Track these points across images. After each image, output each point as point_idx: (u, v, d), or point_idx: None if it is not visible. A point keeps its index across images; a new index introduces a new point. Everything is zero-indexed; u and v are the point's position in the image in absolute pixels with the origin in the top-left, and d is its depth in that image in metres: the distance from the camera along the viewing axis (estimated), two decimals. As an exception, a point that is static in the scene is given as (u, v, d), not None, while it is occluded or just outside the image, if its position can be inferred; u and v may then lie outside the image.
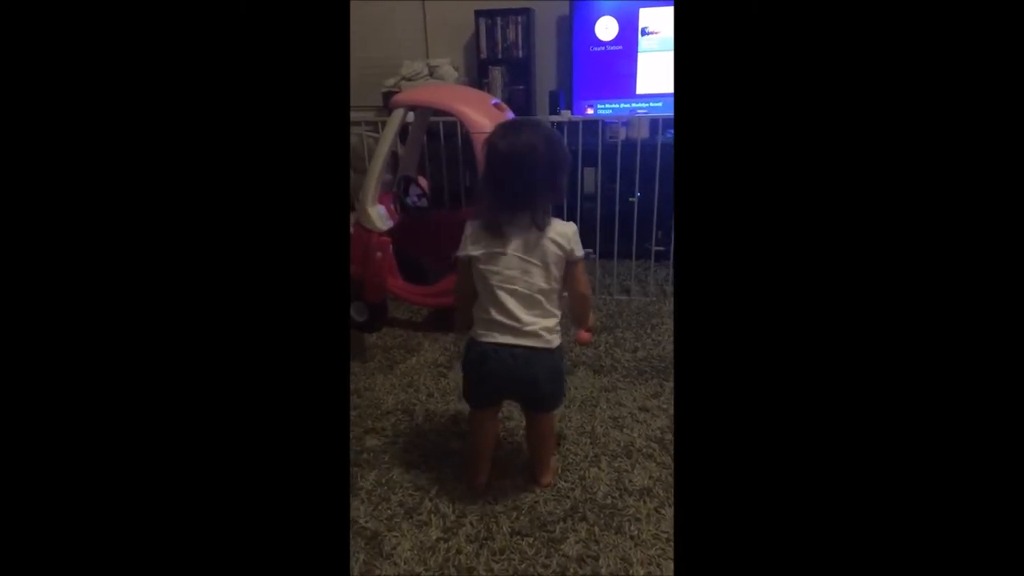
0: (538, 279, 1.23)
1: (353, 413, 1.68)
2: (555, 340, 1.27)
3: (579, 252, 1.25)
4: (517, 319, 1.23)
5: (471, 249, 1.24)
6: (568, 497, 1.35)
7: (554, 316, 1.26)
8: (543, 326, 1.24)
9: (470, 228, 1.26)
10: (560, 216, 1.23)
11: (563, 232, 1.23)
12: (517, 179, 1.18)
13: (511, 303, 1.23)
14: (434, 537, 1.25)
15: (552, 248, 1.22)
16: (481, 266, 1.24)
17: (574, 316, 1.35)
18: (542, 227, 1.21)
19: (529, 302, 1.23)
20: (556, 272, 1.24)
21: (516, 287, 1.22)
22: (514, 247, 1.22)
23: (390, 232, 2.08)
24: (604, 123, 2.69)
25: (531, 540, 1.23)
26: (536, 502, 1.34)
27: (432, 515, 1.31)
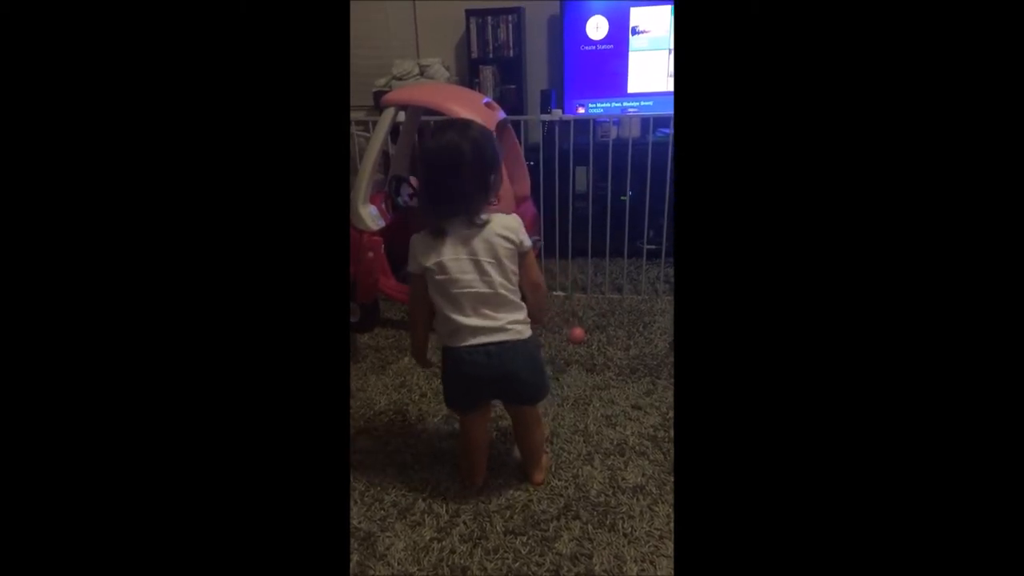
0: (495, 276, 1.22)
1: (345, 414, 1.68)
2: (526, 331, 1.27)
3: (527, 242, 1.25)
4: (483, 319, 1.23)
5: (422, 260, 1.23)
6: (561, 495, 1.35)
7: (520, 309, 1.27)
8: (511, 320, 1.24)
9: (417, 241, 1.25)
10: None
11: (508, 225, 1.24)
12: (447, 180, 1.19)
13: (474, 305, 1.23)
14: (428, 537, 1.25)
15: (501, 243, 1.22)
16: (437, 276, 1.22)
17: (530, 307, 1.33)
18: (479, 224, 1.21)
19: (491, 301, 1.23)
20: (511, 266, 1.24)
21: (476, 288, 1.22)
22: (463, 250, 1.21)
23: (382, 232, 2.07)
24: (595, 122, 2.69)
25: (524, 539, 1.23)
26: (529, 501, 1.34)
27: (425, 515, 1.31)
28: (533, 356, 1.30)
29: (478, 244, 1.22)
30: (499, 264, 1.23)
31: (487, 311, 1.23)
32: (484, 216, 1.22)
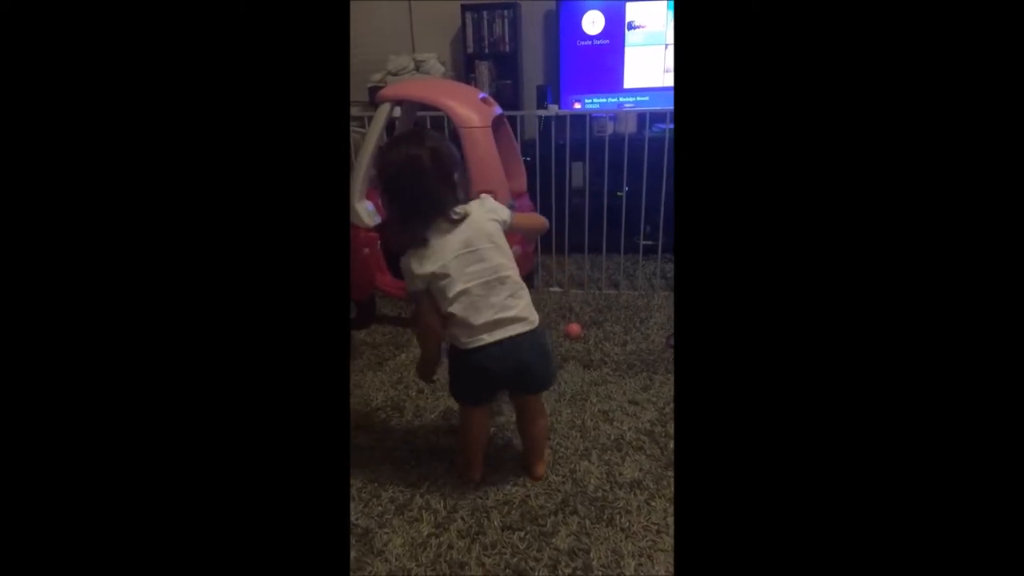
0: (497, 258, 1.23)
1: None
2: (534, 317, 1.28)
3: (506, 215, 1.28)
4: (494, 310, 1.23)
5: (423, 272, 1.22)
6: (559, 491, 1.35)
7: (523, 289, 1.28)
8: (520, 308, 1.25)
9: (409, 261, 1.23)
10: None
11: (487, 206, 1.26)
12: (414, 192, 1.19)
13: (485, 296, 1.23)
14: (425, 533, 1.25)
15: (491, 226, 1.24)
16: (440, 283, 1.22)
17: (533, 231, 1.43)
18: (460, 218, 1.22)
19: (498, 287, 1.24)
20: (504, 243, 1.26)
21: (483, 278, 1.23)
22: (459, 247, 1.21)
23: (377, 228, 2.06)
24: (591, 117, 2.69)
25: (522, 534, 1.24)
26: (527, 496, 1.34)
27: (423, 511, 1.31)
28: (543, 345, 1.31)
29: (471, 234, 1.22)
30: (497, 246, 1.24)
31: (496, 300, 1.23)
32: (459, 209, 1.22)
